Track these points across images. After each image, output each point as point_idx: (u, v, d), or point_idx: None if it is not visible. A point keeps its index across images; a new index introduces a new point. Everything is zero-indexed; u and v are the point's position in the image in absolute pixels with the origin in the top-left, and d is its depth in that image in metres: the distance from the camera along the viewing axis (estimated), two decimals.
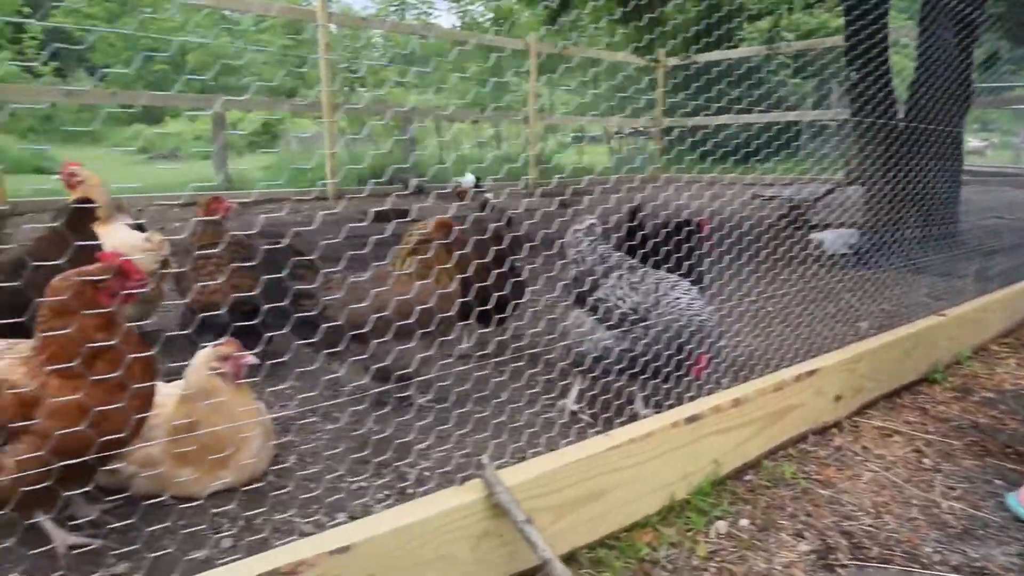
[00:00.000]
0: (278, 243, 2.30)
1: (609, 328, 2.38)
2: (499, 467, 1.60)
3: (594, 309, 2.46)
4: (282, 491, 2.04)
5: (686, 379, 2.38)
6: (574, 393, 2.65)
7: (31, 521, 1.69)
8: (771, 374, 2.43)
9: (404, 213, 6.81)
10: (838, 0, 7.68)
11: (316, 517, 1.92)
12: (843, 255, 5.81)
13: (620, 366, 2.38)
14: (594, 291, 2.50)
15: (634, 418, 2.54)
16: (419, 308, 2.20)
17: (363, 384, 2.59)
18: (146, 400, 1.69)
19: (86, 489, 1.82)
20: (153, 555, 1.69)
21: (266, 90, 13.88)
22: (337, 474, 2.13)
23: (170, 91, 10.90)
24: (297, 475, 2.15)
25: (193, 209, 3.29)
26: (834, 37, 12.94)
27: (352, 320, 2.18)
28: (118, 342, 1.60)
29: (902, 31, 9.85)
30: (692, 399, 2.24)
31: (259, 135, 21.64)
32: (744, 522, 2.05)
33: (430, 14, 22.21)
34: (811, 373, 2.50)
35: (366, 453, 2.21)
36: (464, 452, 2.25)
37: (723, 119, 13.24)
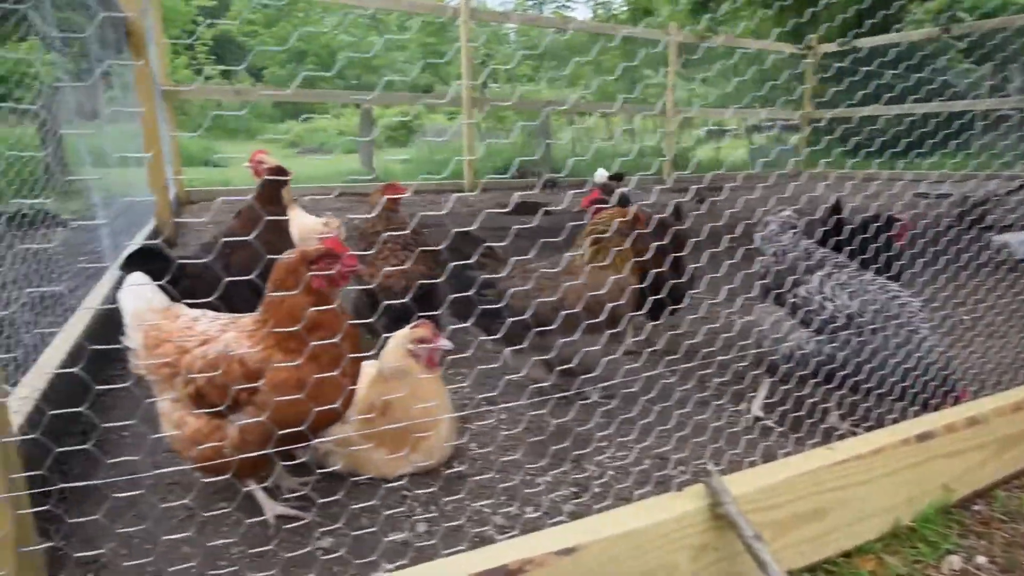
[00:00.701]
0: (467, 230, 2.28)
1: (815, 333, 2.16)
2: (721, 473, 1.46)
3: (794, 310, 2.25)
4: (469, 479, 2.02)
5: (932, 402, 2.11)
6: (760, 398, 2.45)
7: (245, 489, 1.76)
8: (1010, 391, 2.11)
9: (544, 205, 6.75)
10: None
11: (507, 509, 1.88)
12: None
13: (816, 377, 2.16)
14: (795, 289, 2.28)
15: (829, 433, 2.32)
16: (610, 304, 2.10)
17: (542, 379, 2.52)
18: (355, 375, 1.71)
19: (293, 462, 1.89)
20: (355, 533, 1.71)
21: (406, 87, 14.39)
22: (519, 466, 2.09)
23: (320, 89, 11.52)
24: (480, 464, 2.13)
25: (347, 199, 3.38)
26: (1013, 16, 11.47)
27: (540, 314, 2.11)
28: (332, 319, 1.62)
29: None
30: (893, 420, 1.99)
31: (396, 130, 22.62)
32: (982, 559, 1.78)
33: (568, 7, 22.11)
34: None
35: (546, 448, 2.15)
36: (645, 450, 2.13)
37: (881, 109, 12.13)
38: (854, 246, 2.61)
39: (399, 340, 1.96)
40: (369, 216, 3.13)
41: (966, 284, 4.09)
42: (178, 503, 1.85)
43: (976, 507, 2.03)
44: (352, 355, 1.68)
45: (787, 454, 1.67)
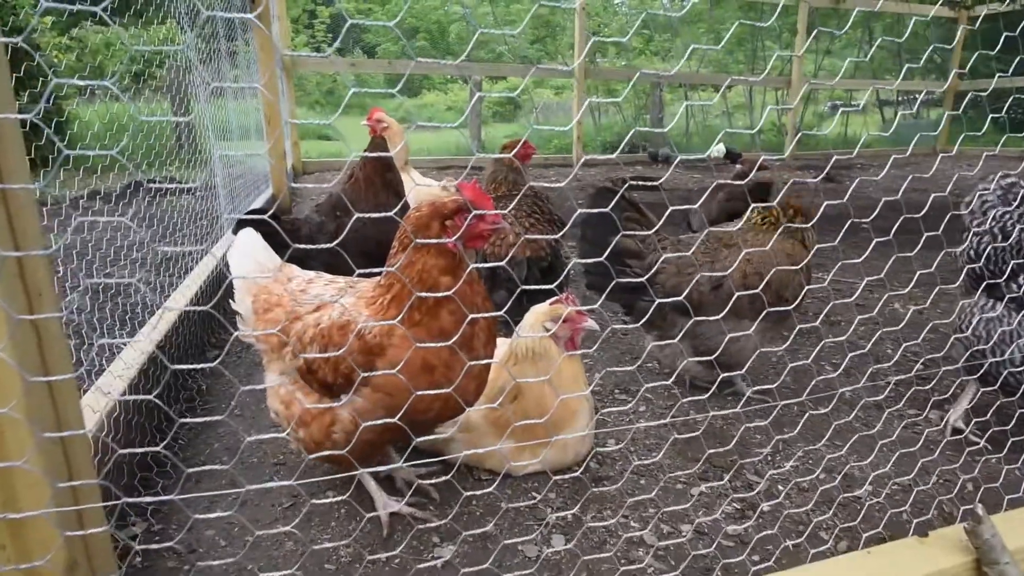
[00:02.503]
0: (608, 191, 1.95)
1: None
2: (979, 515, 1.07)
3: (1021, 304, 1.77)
4: (608, 483, 1.71)
5: None
6: (962, 407, 1.98)
7: (356, 475, 1.54)
8: None
9: (653, 181, 6.30)
10: None
11: (656, 524, 1.56)
12: None
13: None
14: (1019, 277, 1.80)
15: None
16: (794, 280, 1.71)
17: (701, 378, 2.17)
18: (490, 356, 1.43)
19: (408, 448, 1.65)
20: (479, 543, 1.45)
21: (515, 60, 14.08)
22: (665, 471, 1.76)
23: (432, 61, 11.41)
24: (619, 465, 1.81)
25: (456, 172, 3.12)
26: None
27: (699, 294, 1.76)
28: (467, 288, 1.35)
29: None
30: None
31: (503, 105, 22.43)
32: None
33: None
34: None
35: (696, 450, 1.80)
36: (826, 468, 1.74)
37: None
38: None
39: (537, 316, 1.67)
40: (487, 179, 2.86)
41: None
42: (282, 485, 1.66)
43: None
44: (487, 333, 1.41)
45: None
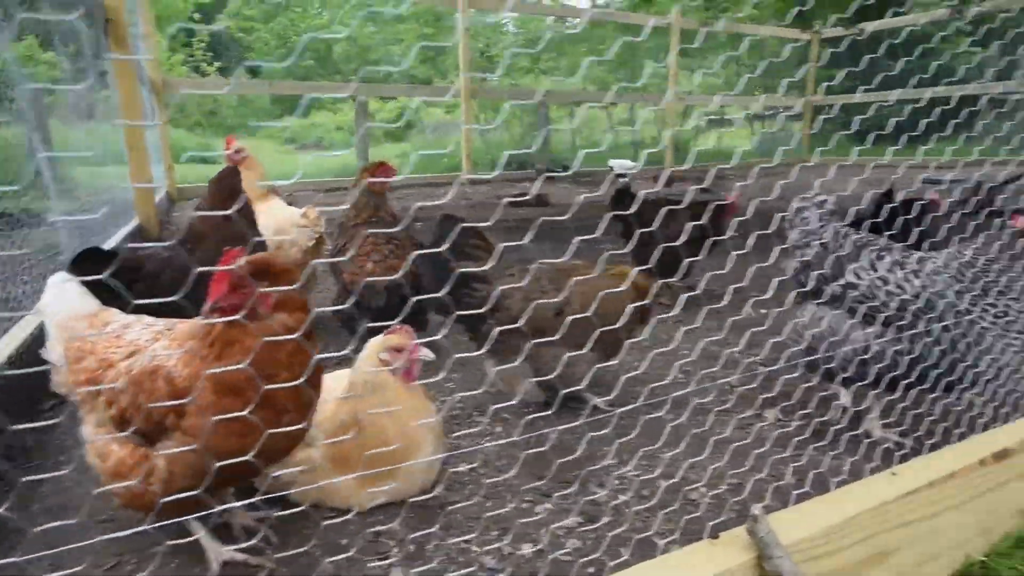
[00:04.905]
0: (451, 218, 1.98)
1: (886, 324, 1.84)
2: (768, 512, 1.16)
3: (853, 305, 1.93)
4: (454, 508, 1.72)
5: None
6: (875, 413, 2.09)
7: (178, 520, 1.47)
8: None
9: (544, 198, 6.48)
10: None
11: (498, 544, 1.58)
12: None
13: (896, 372, 1.83)
14: (840, 278, 1.96)
15: (869, 445, 2.01)
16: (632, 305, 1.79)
17: (537, 401, 2.22)
18: (317, 387, 1.41)
19: (245, 501, 1.59)
20: None
21: (404, 79, 14.07)
22: (514, 490, 1.79)
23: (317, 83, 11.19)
24: (468, 489, 1.83)
25: (340, 195, 3.07)
26: None
27: (538, 320, 1.80)
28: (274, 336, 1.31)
29: None
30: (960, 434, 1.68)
31: (394, 124, 22.28)
32: None
33: None
34: None
35: (545, 466, 1.85)
36: (665, 472, 1.83)
37: (891, 95, 11.74)
38: (900, 230, 2.31)
39: (372, 349, 1.66)
40: (344, 208, 2.83)
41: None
42: (109, 537, 1.55)
43: None
44: (306, 378, 1.38)
45: (843, 482, 1.37)
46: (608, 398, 2.13)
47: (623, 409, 1.96)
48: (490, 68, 18.86)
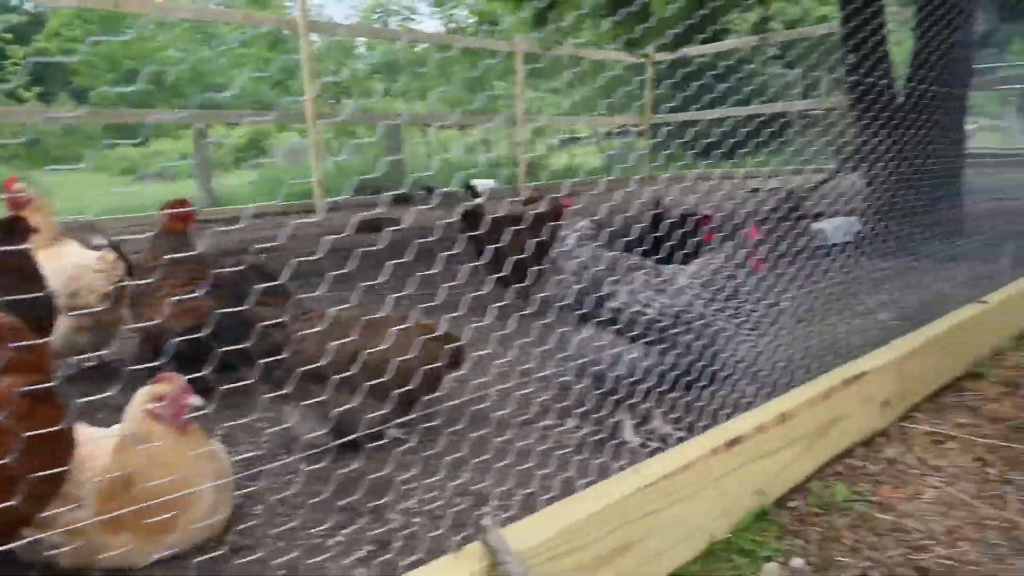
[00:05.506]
0: (241, 263, 1.96)
1: (635, 340, 2.03)
2: (508, 521, 1.26)
3: (608, 322, 2.11)
4: (247, 557, 1.70)
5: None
6: (628, 425, 2.27)
7: None
8: (817, 380, 2.10)
9: (395, 221, 6.50)
10: None
11: None
12: (846, 244, 5.53)
13: (650, 384, 2.03)
14: (609, 299, 2.15)
15: (664, 440, 2.21)
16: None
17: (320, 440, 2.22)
18: (53, 460, 1.34)
19: None
20: None
21: (249, 104, 13.59)
22: (299, 533, 1.79)
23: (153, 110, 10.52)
24: (266, 533, 1.81)
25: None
26: (824, 25, 12.69)
27: (329, 366, 1.83)
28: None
29: (894, 16, 9.61)
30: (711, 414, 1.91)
31: (245, 150, 21.30)
32: (798, 562, 1.72)
33: (413, 19, 21.98)
34: (858, 377, 2.18)
35: (331, 504, 1.87)
36: (460, 488, 1.92)
37: (715, 113, 12.92)
38: (673, 241, 2.57)
39: (138, 400, 1.61)
40: (148, 247, 2.72)
41: (788, 271, 4.27)
42: None
43: (793, 503, 1.98)
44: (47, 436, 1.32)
45: (590, 483, 1.51)
46: (406, 428, 2.19)
47: (425, 425, 2.03)
48: (341, 92, 18.65)
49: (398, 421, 2.21)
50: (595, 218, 2.22)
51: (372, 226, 6.82)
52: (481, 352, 2.69)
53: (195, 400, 1.62)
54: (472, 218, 3.85)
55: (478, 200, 4.50)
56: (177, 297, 2.44)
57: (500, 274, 2.58)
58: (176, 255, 2.69)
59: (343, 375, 1.73)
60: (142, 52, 23.13)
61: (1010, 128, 19.18)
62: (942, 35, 5.29)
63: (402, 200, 10.89)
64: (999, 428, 2.51)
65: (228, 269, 2.05)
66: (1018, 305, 3.39)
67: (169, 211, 2.71)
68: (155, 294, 2.56)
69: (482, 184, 11.67)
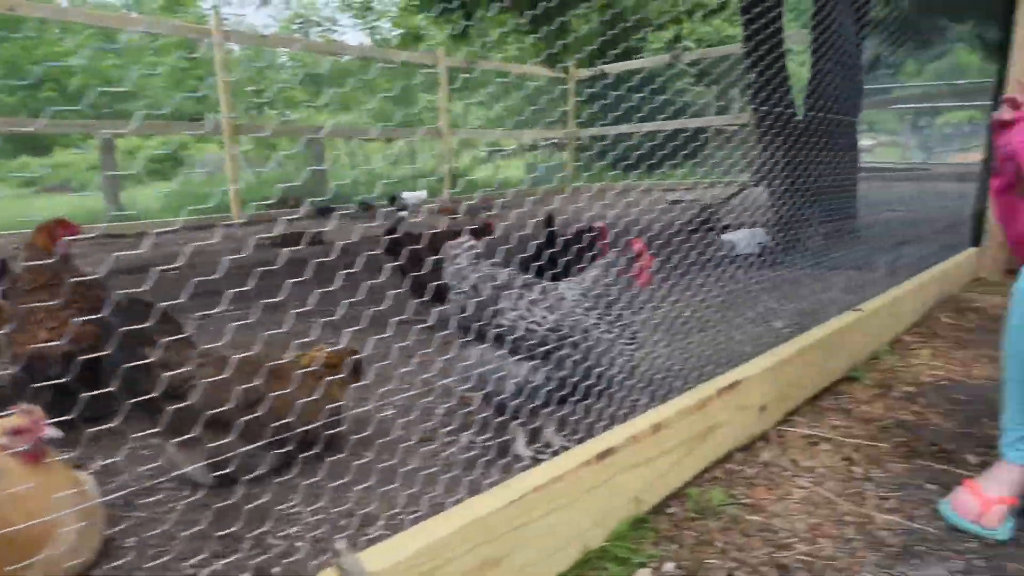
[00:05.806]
0: (139, 302, 1.90)
1: (528, 359, 2.08)
2: (372, 541, 1.28)
3: (499, 340, 2.15)
4: None
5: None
6: (521, 440, 2.28)
7: None
8: (691, 390, 2.21)
9: (298, 238, 6.42)
10: (736, 8, 7.92)
11: None
12: (753, 255, 5.80)
13: (537, 402, 2.08)
14: (496, 318, 2.18)
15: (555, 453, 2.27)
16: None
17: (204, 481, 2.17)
18: None
19: None
20: None
21: (161, 114, 13.09)
22: (185, 557, 1.75)
23: (58, 119, 9.95)
24: (139, 566, 1.75)
25: (81, 244, 2.78)
26: (731, 45, 13.32)
27: (209, 403, 1.80)
28: None
29: (793, 38, 10.21)
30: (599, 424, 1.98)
31: (161, 162, 20.45)
32: (670, 566, 1.80)
33: (335, 31, 21.72)
34: (733, 386, 2.30)
35: (206, 535, 1.83)
36: (343, 508, 1.91)
37: (632, 128, 13.34)
38: (569, 256, 2.64)
39: None
40: (23, 269, 2.59)
41: (697, 281, 4.45)
42: None
43: (671, 510, 2.07)
44: None
45: (458, 500, 1.54)
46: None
47: (305, 455, 2.02)
48: (261, 104, 18.20)
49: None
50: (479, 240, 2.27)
51: (290, 240, 6.70)
52: (382, 363, 2.69)
53: (51, 431, 1.56)
54: (393, 233, 3.79)
55: (401, 213, 4.50)
56: (50, 325, 2.34)
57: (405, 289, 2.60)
58: (54, 279, 2.59)
59: (216, 412, 1.71)
60: (45, 57, 21.89)
61: (907, 144, 20.69)
62: (834, 59, 5.67)
63: (324, 212, 10.72)
64: (869, 428, 2.70)
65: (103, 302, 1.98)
66: (891, 312, 3.65)
67: (47, 234, 2.59)
68: (28, 319, 2.44)
69: (412, 196, 11.62)
